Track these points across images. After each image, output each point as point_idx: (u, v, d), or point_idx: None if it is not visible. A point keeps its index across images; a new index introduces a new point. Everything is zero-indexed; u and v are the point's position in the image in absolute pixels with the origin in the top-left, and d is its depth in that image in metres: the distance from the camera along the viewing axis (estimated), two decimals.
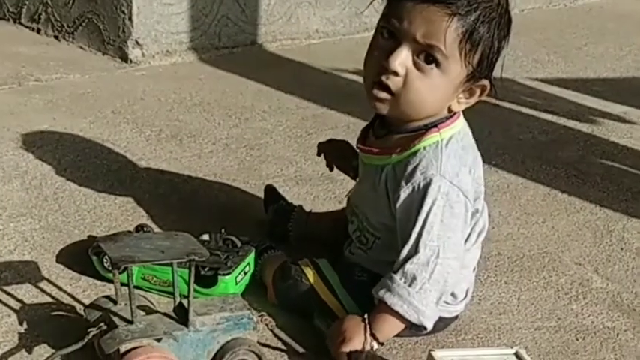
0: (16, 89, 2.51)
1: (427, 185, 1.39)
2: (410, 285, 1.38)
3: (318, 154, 1.76)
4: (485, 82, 1.42)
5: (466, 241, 1.47)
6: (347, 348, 1.39)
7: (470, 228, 1.47)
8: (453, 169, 1.41)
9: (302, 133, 2.35)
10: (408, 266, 1.39)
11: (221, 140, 2.26)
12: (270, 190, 1.85)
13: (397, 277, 1.39)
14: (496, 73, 1.44)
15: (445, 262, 1.39)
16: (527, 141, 2.42)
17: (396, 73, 1.37)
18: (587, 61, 3.21)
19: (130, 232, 1.64)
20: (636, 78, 3.07)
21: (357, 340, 1.40)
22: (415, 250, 1.39)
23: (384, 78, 1.38)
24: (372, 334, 1.40)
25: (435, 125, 1.43)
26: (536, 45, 3.35)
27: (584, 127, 2.54)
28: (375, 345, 1.41)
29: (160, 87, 2.61)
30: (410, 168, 1.41)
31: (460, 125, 1.46)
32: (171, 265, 1.34)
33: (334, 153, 1.74)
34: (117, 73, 2.73)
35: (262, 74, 2.77)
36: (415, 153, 1.42)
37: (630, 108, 2.72)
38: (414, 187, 1.40)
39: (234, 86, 2.67)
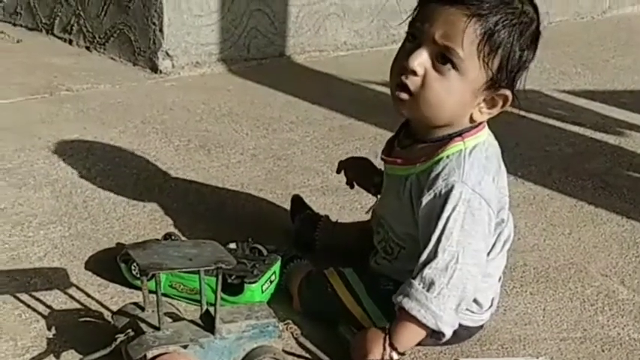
0: (48, 99, 2.55)
1: (448, 191, 1.39)
2: (428, 290, 1.38)
3: (338, 172, 1.77)
4: (507, 92, 1.41)
5: (491, 250, 1.47)
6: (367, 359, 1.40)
7: (495, 237, 1.47)
8: (476, 176, 1.41)
9: (329, 143, 2.36)
10: (427, 271, 1.39)
11: (249, 150, 2.27)
12: (296, 199, 1.86)
13: (415, 282, 1.39)
14: (521, 85, 1.44)
15: (464, 267, 1.39)
16: (553, 152, 2.42)
17: (414, 73, 1.38)
18: (614, 74, 3.21)
19: (158, 240, 1.65)
20: None
21: (377, 351, 1.40)
22: (434, 254, 1.39)
23: (403, 78, 1.39)
24: (391, 345, 1.40)
25: (459, 135, 1.43)
26: (564, 57, 3.35)
27: (611, 139, 2.54)
28: (395, 355, 1.41)
29: (189, 97, 2.64)
30: (433, 175, 1.41)
31: (484, 136, 1.46)
32: (198, 272, 1.36)
33: (355, 170, 1.75)
34: (147, 83, 2.76)
35: (291, 85, 2.79)
36: (438, 161, 1.42)
37: None
38: (435, 194, 1.40)
39: (262, 97, 2.69)
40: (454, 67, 1.37)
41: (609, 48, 3.54)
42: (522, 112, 2.58)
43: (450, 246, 1.38)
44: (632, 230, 1.98)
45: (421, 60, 1.37)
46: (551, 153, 2.42)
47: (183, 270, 1.39)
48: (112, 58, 2.94)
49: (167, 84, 2.77)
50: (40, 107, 2.47)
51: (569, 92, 2.95)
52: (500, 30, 1.36)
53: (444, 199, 1.39)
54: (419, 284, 1.39)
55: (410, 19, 1.43)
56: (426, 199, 1.41)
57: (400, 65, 1.40)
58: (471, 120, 1.44)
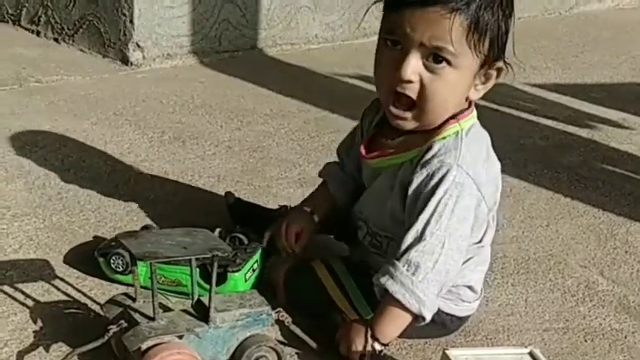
0: (17, 90, 2.50)
1: (444, 174, 1.36)
2: (413, 274, 1.35)
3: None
4: (500, 63, 1.40)
5: (484, 236, 1.48)
6: (351, 351, 1.39)
7: (486, 224, 1.47)
8: (472, 158, 1.39)
9: (304, 135, 2.34)
10: (413, 254, 1.35)
11: (224, 142, 2.25)
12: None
13: (400, 264, 1.36)
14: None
15: (449, 253, 1.37)
16: (528, 145, 2.43)
17: (410, 82, 1.36)
18: (583, 69, 3.23)
19: (148, 227, 1.63)
20: (633, 85, 3.09)
21: (359, 342, 1.39)
22: (421, 237, 1.36)
23: (399, 89, 1.37)
24: (374, 336, 1.39)
25: (453, 117, 1.41)
26: (534, 52, 3.37)
27: (583, 133, 2.55)
28: (378, 346, 1.39)
29: (162, 89, 2.60)
30: (428, 155, 1.38)
31: (475, 116, 1.45)
32: (189, 261, 1.33)
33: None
34: (118, 75, 2.72)
35: (263, 78, 2.77)
36: (434, 144, 1.40)
37: (628, 115, 2.74)
38: (428, 173, 1.37)
39: (235, 89, 2.67)
40: (448, 63, 1.35)
41: (578, 44, 3.57)
42: (495, 106, 2.63)
43: (439, 230, 1.35)
44: (609, 222, 2.00)
45: (413, 67, 1.35)
46: (525, 146, 2.43)
47: (179, 258, 1.35)
48: (81, 50, 2.90)
49: (138, 76, 2.73)
50: (10, 99, 2.43)
51: (540, 86, 2.96)
52: (483, 14, 1.34)
53: (437, 180, 1.36)
54: (404, 267, 1.36)
55: (383, 24, 1.39)
56: (417, 178, 1.38)
57: (392, 76, 1.37)
58: (467, 99, 1.42)
